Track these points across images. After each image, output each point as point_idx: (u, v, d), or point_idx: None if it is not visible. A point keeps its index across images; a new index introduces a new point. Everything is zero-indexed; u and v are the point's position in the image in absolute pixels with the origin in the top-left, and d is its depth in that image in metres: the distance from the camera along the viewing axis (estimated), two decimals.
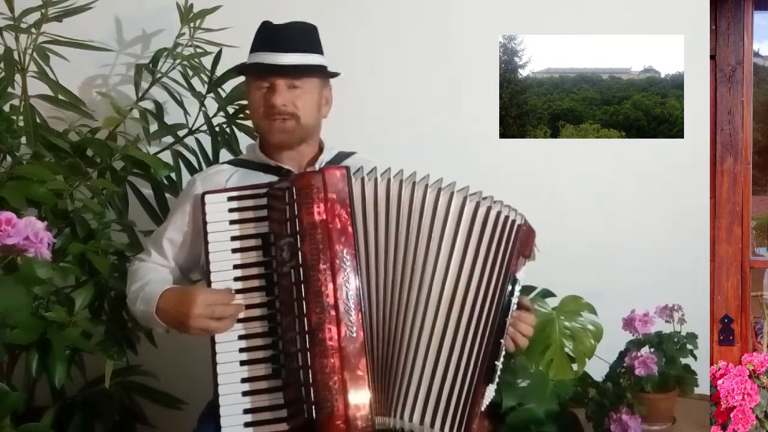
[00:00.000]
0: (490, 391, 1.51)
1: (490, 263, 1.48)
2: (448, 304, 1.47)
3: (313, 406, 1.42)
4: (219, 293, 1.49)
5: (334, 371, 1.43)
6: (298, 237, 1.46)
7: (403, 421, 1.45)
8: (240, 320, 1.50)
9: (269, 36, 1.65)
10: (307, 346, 1.43)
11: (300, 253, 1.46)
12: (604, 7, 2.27)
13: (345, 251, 1.46)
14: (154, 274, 1.63)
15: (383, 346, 1.47)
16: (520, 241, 1.50)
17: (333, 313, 1.44)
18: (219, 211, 1.52)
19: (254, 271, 1.51)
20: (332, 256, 1.46)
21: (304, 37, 1.66)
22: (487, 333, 1.47)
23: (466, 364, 1.46)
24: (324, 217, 1.47)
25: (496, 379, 1.50)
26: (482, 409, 1.49)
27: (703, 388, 1.78)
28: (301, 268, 1.45)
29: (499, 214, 1.49)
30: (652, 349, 1.73)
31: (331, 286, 1.45)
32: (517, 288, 1.50)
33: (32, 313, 1.59)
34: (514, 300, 1.50)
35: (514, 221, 1.50)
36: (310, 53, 1.66)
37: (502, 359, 1.50)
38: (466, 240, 1.48)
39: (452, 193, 1.49)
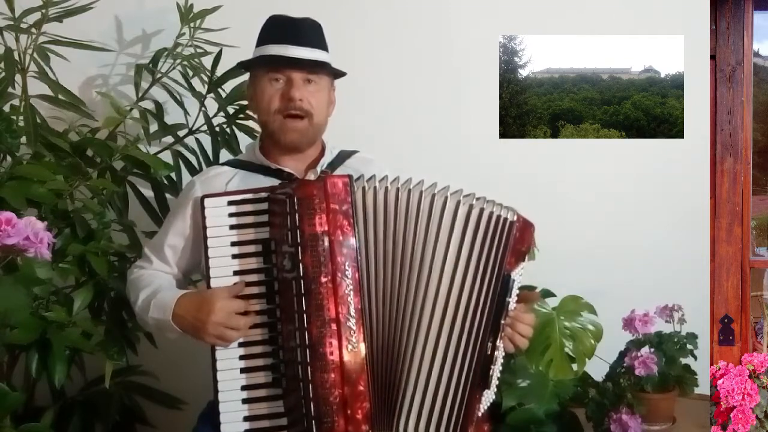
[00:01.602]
0: (488, 395, 1.50)
1: (482, 265, 1.45)
2: (442, 311, 1.44)
3: (314, 421, 1.40)
4: (235, 301, 1.46)
5: (335, 386, 1.40)
6: (299, 248, 1.43)
7: None
8: None
9: (285, 29, 1.61)
10: (308, 360, 1.41)
11: (301, 265, 1.42)
12: (604, 7, 2.28)
13: (347, 263, 1.43)
14: (160, 280, 1.60)
15: (383, 358, 1.45)
16: (515, 238, 1.46)
17: (334, 327, 1.41)
18: (219, 216, 1.49)
19: (254, 277, 1.48)
20: (334, 268, 1.42)
21: (316, 33, 1.64)
22: (481, 336, 1.45)
23: (460, 369, 1.44)
24: (325, 228, 1.43)
25: (494, 383, 1.49)
26: (479, 414, 1.48)
27: (703, 388, 1.78)
28: (302, 281, 1.42)
29: (491, 214, 1.45)
30: (652, 349, 1.73)
31: (332, 299, 1.42)
32: (515, 287, 1.48)
33: (32, 313, 1.59)
34: (511, 300, 1.47)
35: (505, 219, 1.46)
36: (322, 50, 1.64)
37: (500, 362, 1.48)
38: (459, 244, 1.44)
39: (446, 198, 1.45)
